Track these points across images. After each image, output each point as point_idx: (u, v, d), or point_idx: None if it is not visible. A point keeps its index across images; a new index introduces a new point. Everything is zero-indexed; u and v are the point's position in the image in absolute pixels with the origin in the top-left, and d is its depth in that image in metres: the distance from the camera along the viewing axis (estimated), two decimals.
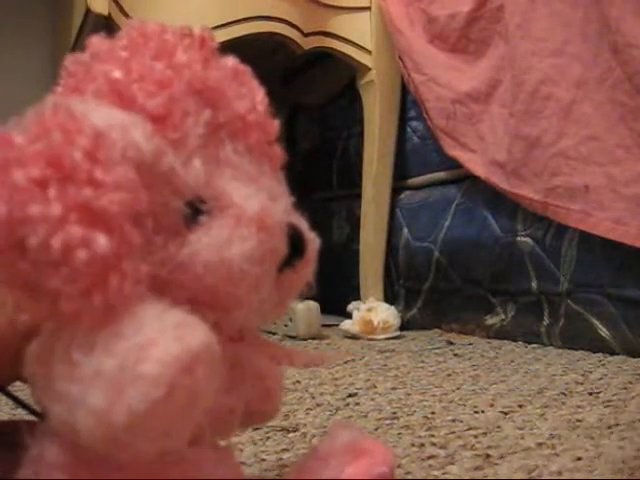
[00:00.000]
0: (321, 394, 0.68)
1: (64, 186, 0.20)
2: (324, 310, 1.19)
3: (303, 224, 0.26)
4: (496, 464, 0.44)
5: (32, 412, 0.28)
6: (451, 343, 1.05)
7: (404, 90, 1.29)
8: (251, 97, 0.26)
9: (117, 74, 0.24)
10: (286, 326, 1.17)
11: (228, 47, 0.28)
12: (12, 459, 0.22)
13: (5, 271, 0.20)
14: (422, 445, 0.49)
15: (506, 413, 0.59)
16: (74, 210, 0.20)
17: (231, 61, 0.27)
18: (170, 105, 0.23)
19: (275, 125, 0.27)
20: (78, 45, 1.28)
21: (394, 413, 0.60)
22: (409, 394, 0.68)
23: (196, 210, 0.23)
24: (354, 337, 1.16)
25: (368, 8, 1.27)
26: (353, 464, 0.28)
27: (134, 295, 0.21)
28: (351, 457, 0.28)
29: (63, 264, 0.20)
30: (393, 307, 1.22)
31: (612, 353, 0.88)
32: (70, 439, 0.21)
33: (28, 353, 0.22)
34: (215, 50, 0.26)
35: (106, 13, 1.11)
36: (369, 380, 0.76)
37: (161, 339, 0.20)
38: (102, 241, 0.20)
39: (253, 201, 0.24)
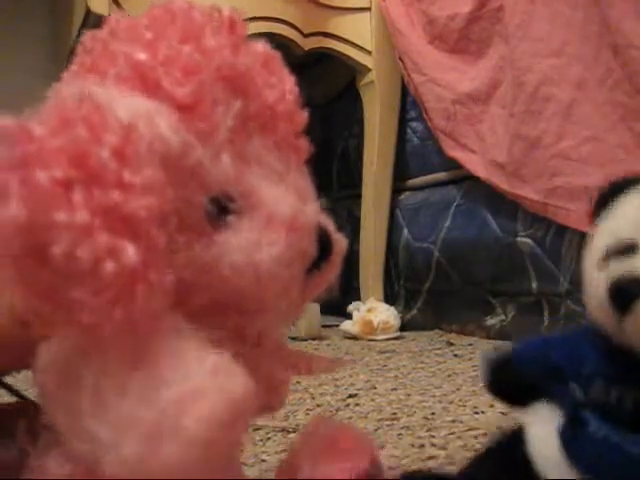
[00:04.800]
0: (321, 395, 0.68)
1: (90, 189, 0.18)
2: (324, 311, 1.19)
3: (330, 224, 0.24)
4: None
5: (24, 399, 0.27)
6: (451, 344, 1.05)
7: (404, 91, 1.29)
8: (281, 86, 0.24)
9: (141, 56, 0.21)
10: None
11: None
12: (12, 450, 0.22)
13: (22, 278, 0.18)
14: (422, 446, 0.49)
15: (506, 414, 0.59)
16: (101, 216, 0.18)
17: (261, 46, 0.25)
18: (199, 93, 0.21)
19: (304, 116, 0.25)
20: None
21: (394, 414, 0.60)
22: (409, 395, 0.68)
23: (223, 208, 0.21)
24: (354, 338, 1.16)
25: (368, 9, 1.27)
26: (329, 465, 0.27)
27: (160, 308, 0.19)
28: (328, 457, 0.27)
29: (89, 276, 0.18)
30: (393, 308, 1.22)
31: None
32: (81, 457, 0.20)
33: (40, 359, 0.20)
34: (245, 34, 0.24)
35: (106, 13, 1.11)
36: (369, 381, 0.76)
37: (204, 389, 0.18)
38: (130, 251, 0.18)
39: (284, 203, 0.22)
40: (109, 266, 0.18)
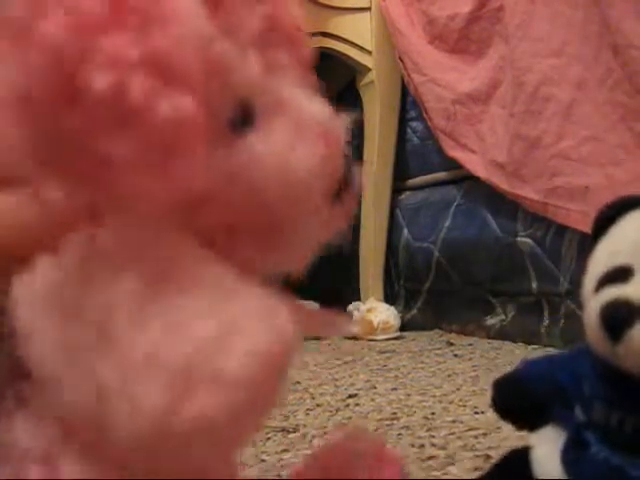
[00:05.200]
0: (321, 395, 0.68)
1: (142, 27, 0.15)
2: None
3: (350, 152, 0.21)
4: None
5: None
6: (451, 344, 1.05)
7: (404, 91, 1.29)
8: (294, 6, 0.22)
9: None
10: None
11: None
12: None
13: (40, 130, 0.15)
14: (422, 446, 0.49)
15: None
16: (152, 57, 0.15)
17: None
18: None
19: (308, 47, 0.23)
20: None
21: (394, 414, 0.60)
22: (409, 395, 0.68)
23: (249, 113, 0.18)
24: (354, 338, 1.16)
25: (368, 9, 1.27)
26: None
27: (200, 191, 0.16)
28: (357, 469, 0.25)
29: (135, 122, 0.14)
30: (393, 308, 1.22)
31: None
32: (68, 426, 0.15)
33: (20, 291, 0.16)
34: None
35: None
36: (369, 381, 0.76)
37: (248, 324, 0.15)
38: (187, 99, 0.15)
39: (316, 111, 0.20)
40: (164, 108, 0.15)
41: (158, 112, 0.15)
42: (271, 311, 0.16)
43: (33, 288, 0.15)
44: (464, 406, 0.62)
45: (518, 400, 0.34)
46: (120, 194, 0.15)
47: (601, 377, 0.29)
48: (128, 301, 0.15)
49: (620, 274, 0.29)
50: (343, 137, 0.20)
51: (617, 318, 0.27)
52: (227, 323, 0.15)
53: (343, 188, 0.20)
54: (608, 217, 0.32)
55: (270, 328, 0.15)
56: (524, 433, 0.52)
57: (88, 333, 0.15)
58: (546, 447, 0.31)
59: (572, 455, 0.29)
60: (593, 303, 0.29)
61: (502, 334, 1.08)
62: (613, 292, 0.28)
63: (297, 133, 0.19)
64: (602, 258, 0.31)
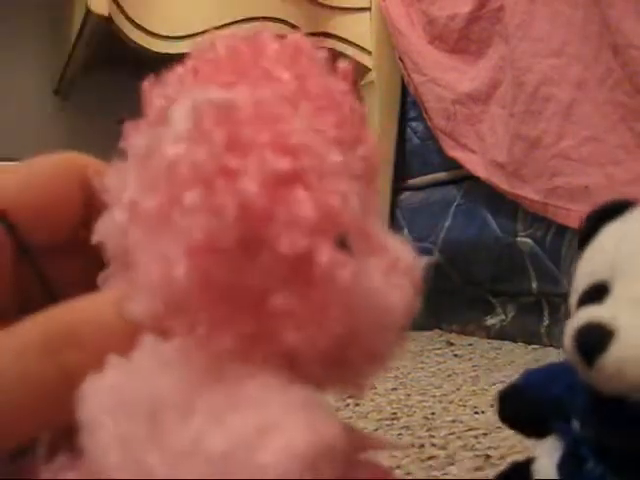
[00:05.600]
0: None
1: (311, 184, 0.16)
2: None
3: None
4: (496, 465, 0.44)
5: None
6: (451, 344, 1.05)
7: (404, 91, 1.29)
8: (372, 134, 0.22)
9: (284, 74, 0.19)
10: None
11: None
12: (26, 457, 0.18)
13: (220, 276, 0.15)
14: (422, 446, 0.49)
15: None
16: (326, 217, 0.16)
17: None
18: (341, 126, 0.19)
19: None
20: (78, 45, 1.28)
21: (394, 414, 0.60)
22: (409, 395, 0.68)
23: (345, 247, 0.19)
24: None
25: (368, 9, 1.27)
26: None
27: None
28: None
29: (315, 285, 0.16)
30: None
31: None
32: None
33: (84, 392, 0.16)
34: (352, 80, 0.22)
35: (106, 14, 1.11)
36: None
37: (287, 423, 0.15)
38: (351, 261, 0.16)
39: (405, 250, 0.21)
40: (344, 273, 0.16)
41: (338, 280, 0.16)
42: (314, 412, 0.16)
43: (100, 385, 0.16)
44: (464, 406, 0.62)
45: (520, 411, 0.34)
46: (279, 343, 0.16)
47: (588, 394, 0.29)
48: (177, 395, 0.16)
49: (597, 292, 0.28)
50: (420, 269, 0.21)
51: (589, 343, 0.26)
52: (268, 419, 0.15)
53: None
54: (589, 229, 0.31)
55: (310, 428, 0.16)
56: None
57: (141, 426, 0.16)
58: (545, 459, 0.31)
59: (568, 469, 0.29)
60: (569, 326, 0.27)
61: (502, 334, 1.08)
62: (587, 314, 0.27)
63: (390, 269, 0.20)
64: (581, 274, 0.30)
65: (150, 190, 0.16)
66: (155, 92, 0.19)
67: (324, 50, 0.21)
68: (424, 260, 0.21)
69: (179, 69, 0.19)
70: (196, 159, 0.15)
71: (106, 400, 0.16)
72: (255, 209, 0.15)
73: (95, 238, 0.17)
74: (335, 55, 0.20)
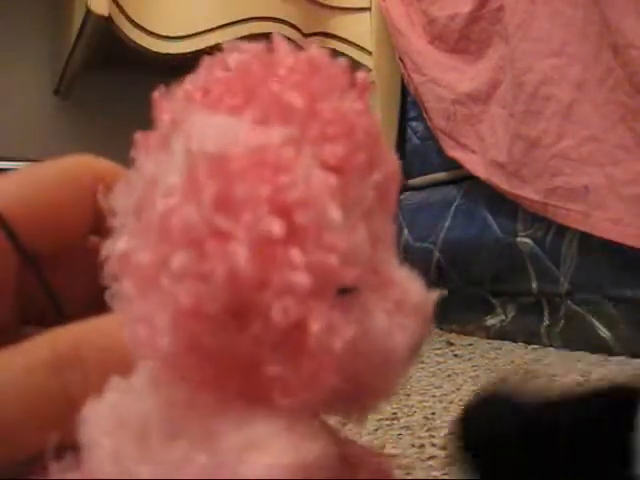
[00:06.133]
0: None
1: (307, 245, 0.15)
2: None
3: None
4: None
5: None
6: (451, 344, 1.05)
7: (404, 91, 1.29)
8: (393, 154, 0.21)
9: (295, 99, 0.17)
10: None
11: None
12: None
13: (207, 342, 0.15)
14: (422, 446, 0.49)
15: None
16: (320, 281, 0.15)
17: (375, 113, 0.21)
18: (351, 156, 0.18)
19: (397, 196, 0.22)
20: (78, 45, 1.28)
21: (394, 414, 0.60)
22: (409, 395, 0.68)
23: (351, 288, 0.18)
24: None
25: (368, 9, 1.27)
26: None
27: None
28: None
29: (293, 349, 0.15)
30: None
31: (612, 353, 0.88)
32: None
33: (84, 415, 0.17)
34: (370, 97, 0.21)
35: (106, 14, 1.11)
36: None
37: (271, 443, 0.16)
38: (347, 327, 0.16)
39: (413, 287, 0.20)
40: (338, 343, 0.15)
41: (334, 347, 0.15)
42: (297, 433, 0.16)
43: (99, 407, 0.17)
44: (464, 406, 0.62)
45: None
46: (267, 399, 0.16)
47: None
48: (164, 416, 0.16)
49: None
50: (431, 303, 0.20)
51: None
52: (252, 439, 0.16)
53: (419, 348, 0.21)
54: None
55: (294, 448, 0.16)
56: None
57: (132, 444, 0.16)
58: None
59: None
60: None
61: (502, 334, 1.08)
62: None
63: (396, 315, 0.19)
64: None
65: (142, 242, 0.16)
66: (164, 106, 0.18)
67: (343, 62, 0.19)
68: (434, 295, 0.20)
69: (188, 86, 0.18)
70: (186, 217, 0.15)
71: (104, 421, 0.16)
72: (245, 275, 0.15)
73: (104, 254, 0.17)
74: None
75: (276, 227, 0.15)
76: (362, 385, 0.19)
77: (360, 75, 0.20)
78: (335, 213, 0.16)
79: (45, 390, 0.17)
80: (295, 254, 0.15)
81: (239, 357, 0.15)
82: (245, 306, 0.15)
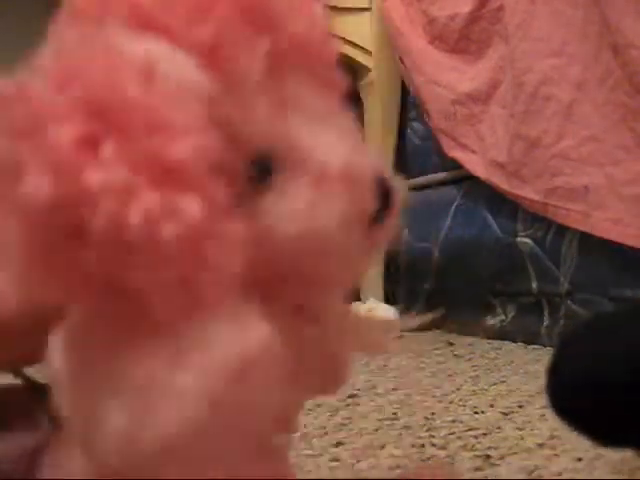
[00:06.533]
0: None
1: (120, 140, 0.15)
2: None
3: (385, 168, 0.20)
4: (496, 465, 0.44)
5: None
6: (451, 344, 1.05)
7: (404, 91, 1.29)
8: (308, 10, 0.19)
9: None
10: None
11: None
12: (33, 437, 0.19)
13: (62, 268, 0.15)
14: (422, 446, 0.49)
15: (506, 414, 0.59)
16: (142, 169, 0.14)
17: None
18: (218, 32, 0.17)
19: (335, 44, 0.21)
20: None
21: (394, 414, 0.60)
22: (409, 395, 0.68)
23: (264, 169, 0.18)
24: None
25: (368, 9, 1.27)
26: None
27: (237, 274, 0.15)
28: None
29: (144, 247, 0.14)
30: (393, 308, 1.22)
31: None
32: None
33: (51, 347, 0.17)
34: None
35: None
36: (369, 381, 0.76)
37: (209, 341, 0.15)
38: (192, 205, 0.15)
39: (334, 153, 0.18)
40: (168, 228, 0.14)
41: (162, 235, 0.15)
42: (241, 330, 0.16)
43: (59, 339, 0.17)
44: (464, 406, 0.62)
45: None
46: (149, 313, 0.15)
47: None
48: (108, 332, 0.16)
49: None
50: (367, 166, 0.19)
51: None
52: (190, 342, 0.15)
53: (381, 212, 0.19)
54: None
55: (232, 346, 0.15)
56: (524, 432, 0.52)
57: (84, 367, 0.16)
58: None
59: None
60: None
61: (502, 334, 1.08)
62: None
63: (318, 188, 0.18)
64: None
65: None
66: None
67: None
68: (365, 157, 0.19)
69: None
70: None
71: (64, 352, 0.17)
72: (51, 195, 0.14)
73: None
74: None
75: (60, 137, 0.14)
76: (306, 271, 0.18)
77: None
78: (136, 89, 0.15)
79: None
80: (106, 149, 0.14)
81: (109, 279, 0.15)
82: (74, 223, 0.14)
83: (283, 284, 0.18)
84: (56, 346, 0.17)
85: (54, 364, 0.16)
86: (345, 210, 0.18)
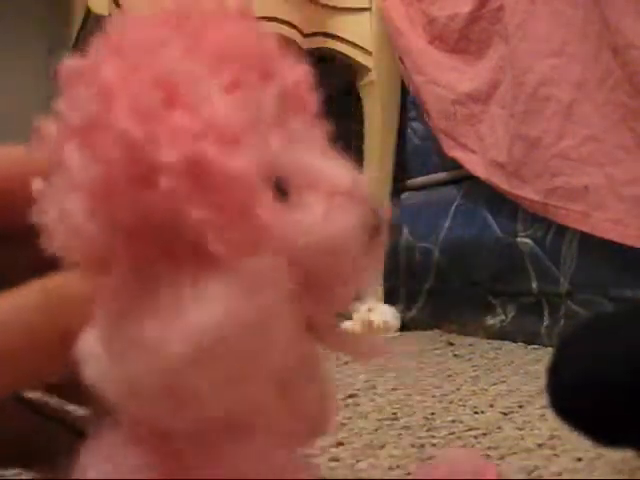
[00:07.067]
0: None
1: (189, 102, 0.17)
2: None
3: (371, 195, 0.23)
4: (496, 465, 0.44)
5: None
6: (451, 344, 1.05)
7: (404, 91, 1.29)
8: (298, 66, 0.23)
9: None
10: None
11: None
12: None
13: (127, 213, 0.16)
14: (422, 446, 0.49)
15: (506, 414, 0.59)
16: (208, 124, 0.16)
17: (271, 31, 0.23)
18: (237, 79, 0.19)
19: (316, 99, 0.24)
20: (78, 45, 1.28)
21: (394, 414, 0.60)
22: (409, 395, 0.68)
23: (280, 190, 0.20)
24: None
25: (368, 9, 1.27)
26: None
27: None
28: None
29: (213, 184, 0.16)
30: (393, 308, 1.22)
31: None
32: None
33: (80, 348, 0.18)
34: (254, 18, 0.23)
35: (106, 13, 1.11)
36: (369, 381, 0.76)
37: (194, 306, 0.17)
38: (249, 159, 0.17)
39: (340, 174, 0.21)
40: (235, 165, 0.16)
41: (231, 171, 0.16)
42: (200, 303, 0.17)
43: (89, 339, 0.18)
44: (464, 406, 0.62)
45: None
46: (207, 255, 0.17)
47: None
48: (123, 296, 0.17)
49: None
50: (366, 192, 0.22)
51: None
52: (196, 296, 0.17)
53: (374, 231, 0.22)
54: None
55: (216, 308, 0.17)
56: (524, 432, 0.52)
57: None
58: None
59: None
60: None
61: (502, 334, 1.08)
62: None
63: (329, 202, 0.20)
64: None
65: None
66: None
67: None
68: (363, 178, 0.22)
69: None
70: (78, 105, 0.16)
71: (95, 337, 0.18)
72: (134, 139, 0.15)
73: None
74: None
75: (152, 92, 0.16)
76: (323, 275, 0.20)
77: (239, 5, 0.22)
78: (216, 89, 0.17)
79: (36, 328, 0.18)
80: (178, 111, 0.16)
81: (161, 222, 0.16)
82: (145, 163, 0.16)
83: (299, 294, 0.20)
84: (88, 337, 0.18)
85: (87, 347, 0.18)
86: (354, 221, 0.21)
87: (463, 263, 1.16)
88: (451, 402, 0.64)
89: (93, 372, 0.18)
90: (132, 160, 0.16)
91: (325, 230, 0.20)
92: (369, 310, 1.18)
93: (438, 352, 0.97)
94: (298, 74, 0.22)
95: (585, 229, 0.88)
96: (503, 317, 1.09)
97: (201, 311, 0.16)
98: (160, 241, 0.17)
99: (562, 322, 0.97)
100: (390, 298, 1.30)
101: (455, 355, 0.94)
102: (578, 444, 0.48)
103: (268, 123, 0.20)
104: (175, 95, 0.17)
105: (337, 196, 0.21)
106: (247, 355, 0.17)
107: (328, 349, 0.24)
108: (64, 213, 0.17)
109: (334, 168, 0.22)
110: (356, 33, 1.26)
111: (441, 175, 1.22)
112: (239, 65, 0.20)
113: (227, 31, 0.20)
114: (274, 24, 1.15)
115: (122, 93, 0.16)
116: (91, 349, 0.18)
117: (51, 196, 0.17)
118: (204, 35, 0.20)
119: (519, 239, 1.03)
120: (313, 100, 0.23)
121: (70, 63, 0.18)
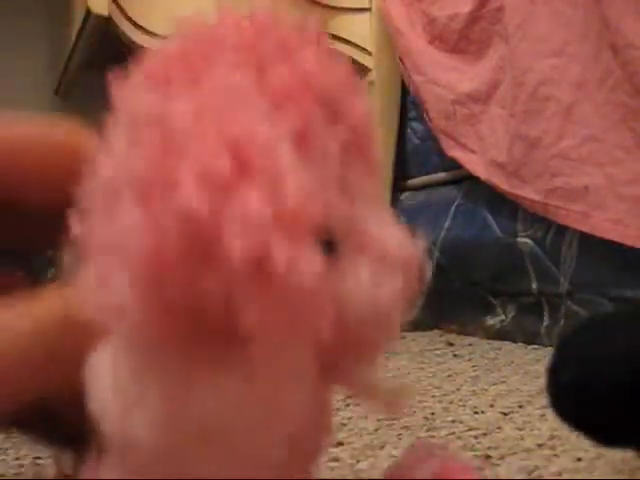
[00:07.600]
0: None
1: (264, 183, 0.15)
2: None
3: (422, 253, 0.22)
4: (496, 465, 0.44)
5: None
6: (451, 344, 1.05)
7: (404, 91, 1.29)
8: (364, 104, 0.21)
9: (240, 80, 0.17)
10: None
11: None
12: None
13: (171, 293, 0.14)
14: None
15: (506, 414, 0.59)
16: (280, 216, 0.15)
17: (343, 62, 0.21)
18: (306, 119, 0.17)
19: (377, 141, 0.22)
20: (78, 45, 1.28)
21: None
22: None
23: (332, 248, 0.18)
24: None
25: (368, 9, 1.27)
26: None
27: None
28: None
29: (277, 285, 0.14)
30: None
31: None
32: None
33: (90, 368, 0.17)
34: (328, 50, 0.21)
35: (106, 14, 1.11)
36: None
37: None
38: (317, 260, 0.15)
39: (394, 239, 0.20)
40: (305, 270, 0.15)
41: (299, 276, 0.15)
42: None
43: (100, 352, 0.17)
44: (464, 406, 0.62)
45: None
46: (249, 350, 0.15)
47: None
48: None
49: None
50: (417, 253, 0.21)
51: None
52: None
53: (416, 294, 0.21)
54: None
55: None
56: (524, 432, 0.52)
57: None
58: None
59: None
60: None
61: (502, 334, 1.08)
62: None
63: (380, 269, 0.19)
64: None
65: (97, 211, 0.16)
66: (117, 91, 0.18)
67: (291, 19, 0.20)
68: (418, 249, 0.21)
69: (135, 72, 0.18)
70: (131, 167, 0.15)
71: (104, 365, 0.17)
72: (197, 217, 0.14)
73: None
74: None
75: (222, 162, 0.14)
76: (356, 338, 0.19)
77: (310, 28, 0.20)
78: (287, 151, 0.15)
79: (53, 349, 0.17)
80: (248, 188, 0.14)
81: (208, 307, 0.15)
82: (204, 246, 0.14)
83: (331, 347, 0.19)
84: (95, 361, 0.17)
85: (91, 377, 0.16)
86: (401, 291, 0.20)
87: (463, 263, 1.16)
88: (451, 402, 0.64)
89: (99, 400, 0.16)
90: (190, 237, 0.14)
91: (373, 297, 0.19)
92: None
93: (438, 352, 0.97)
94: (364, 111, 0.20)
95: (585, 229, 0.88)
96: (503, 317, 1.09)
97: (209, 399, 0.15)
98: (195, 320, 0.15)
99: (562, 322, 0.97)
100: None
101: (455, 355, 0.94)
102: (578, 444, 0.48)
103: (330, 176, 0.18)
104: (247, 166, 0.15)
105: (387, 260, 0.19)
106: (253, 439, 0.16)
107: (348, 394, 0.23)
108: (102, 274, 0.15)
109: (384, 226, 0.20)
110: (356, 33, 1.26)
111: (441, 175, 1.22)
112: (307, 104, 0.18)
113: (296, 60, 0.18)
114: None
115: (192, 151, 0.14)
116: (102, 378, 0.16)
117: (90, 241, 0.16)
118: (270, 66, 0.18)
119: (519, 239, 1.03)
120: (375, 143, 0.21)
121: (139, 96, 0.16)
